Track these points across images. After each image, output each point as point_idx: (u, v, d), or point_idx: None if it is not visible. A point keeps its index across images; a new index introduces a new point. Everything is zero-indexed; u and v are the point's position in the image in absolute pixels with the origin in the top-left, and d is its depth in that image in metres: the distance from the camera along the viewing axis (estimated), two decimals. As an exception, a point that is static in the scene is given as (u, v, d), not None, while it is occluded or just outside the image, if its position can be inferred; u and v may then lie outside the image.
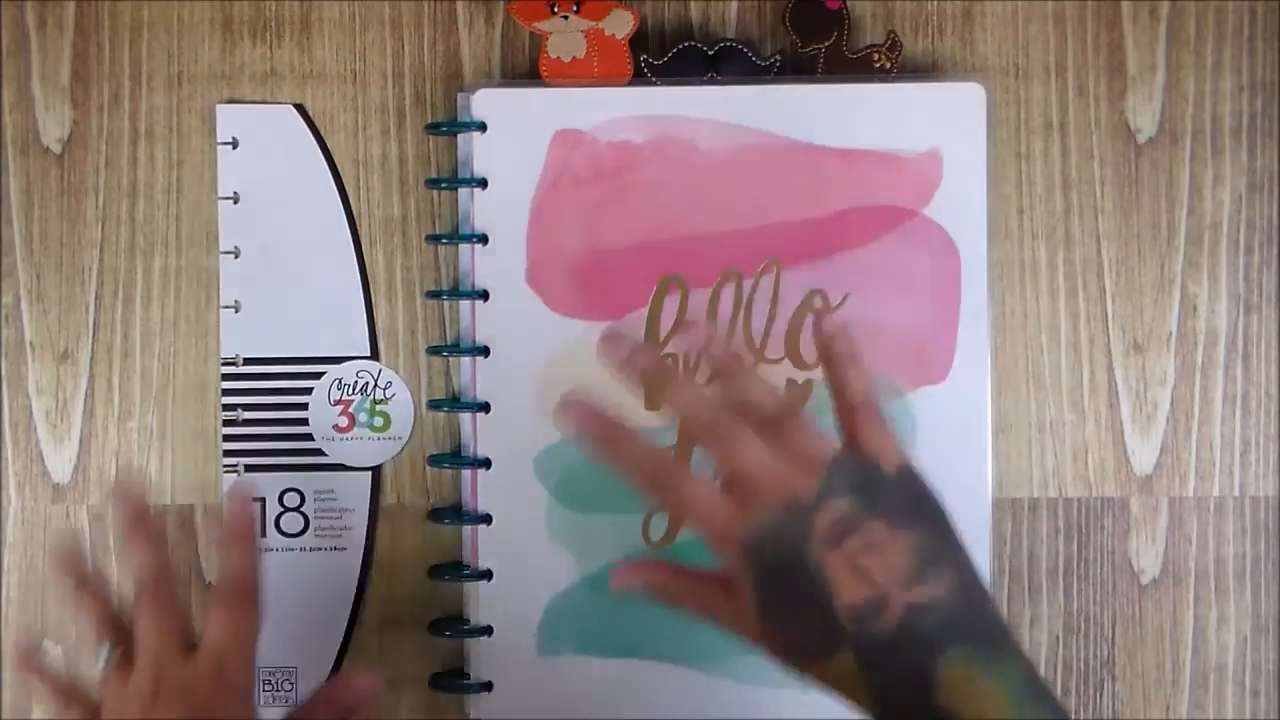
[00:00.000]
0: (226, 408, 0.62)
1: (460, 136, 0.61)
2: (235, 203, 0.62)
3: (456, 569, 0.61)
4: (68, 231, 0.62)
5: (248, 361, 0.62)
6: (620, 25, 0.60)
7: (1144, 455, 0.63)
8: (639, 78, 0.61)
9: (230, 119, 0.62)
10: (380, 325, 0.62)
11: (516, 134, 0.60)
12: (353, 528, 0.62)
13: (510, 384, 0.60)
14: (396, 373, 0.62)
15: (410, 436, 0.62)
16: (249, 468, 0.62)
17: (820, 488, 0.45)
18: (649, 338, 0.60)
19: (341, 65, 0.63)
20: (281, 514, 0.62)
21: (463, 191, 0.61)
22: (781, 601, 0.45)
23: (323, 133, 0.62)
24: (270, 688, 0.62)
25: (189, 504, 0.62)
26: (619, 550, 0.60)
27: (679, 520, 0.48)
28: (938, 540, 0.45)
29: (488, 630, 0.60)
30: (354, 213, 0.62)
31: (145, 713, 0.48)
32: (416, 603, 0.62)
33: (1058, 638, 0.63)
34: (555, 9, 0.60)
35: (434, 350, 0.62)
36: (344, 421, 0.62)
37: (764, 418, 0.47)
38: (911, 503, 0.46)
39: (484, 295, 0.60)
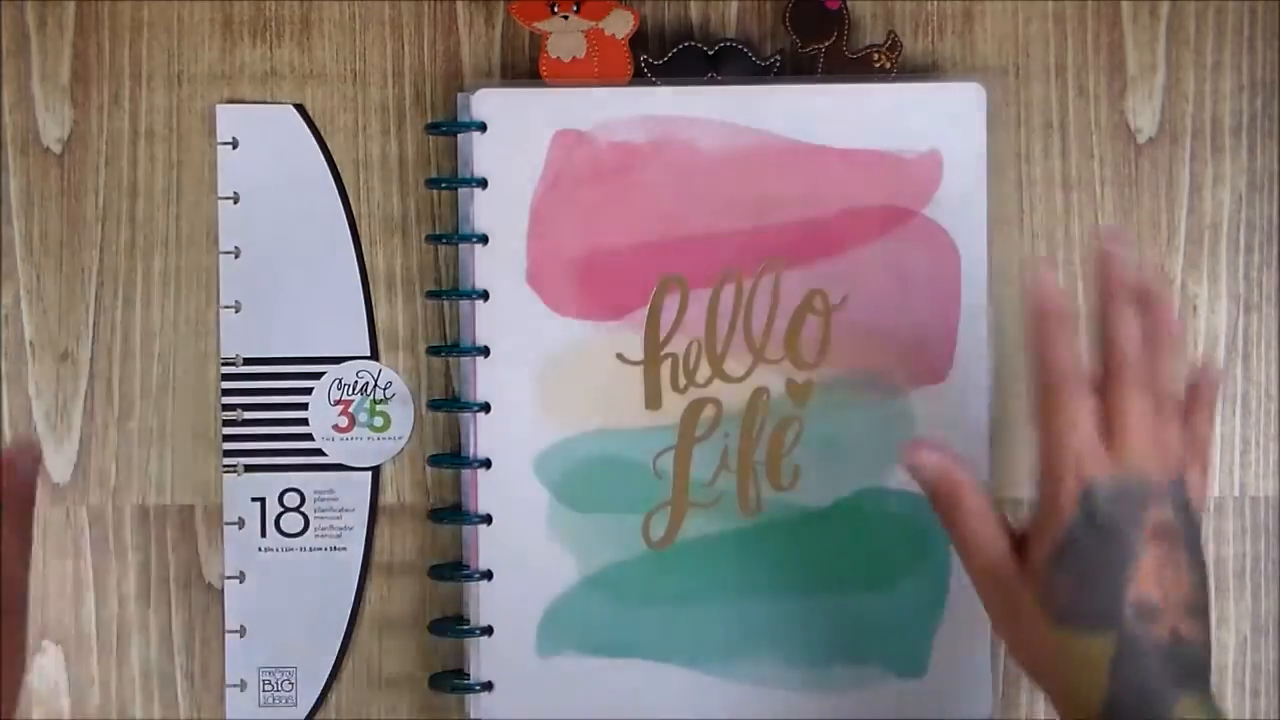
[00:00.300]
0: (226, 408, 0.62)
1: (460, 136, 0.61)
2: (235, 203, 0.62)
3: (456, 569, 0.61)
4: (68, 231, 0.62)
5: (248, 361, 0.62)
6: (620, 25, 0.60)
7: (1144, 455, 0.63)
8: (639, 78, 0.61)
9: (230, 119, 0.62)
10: (380, 325, 0.62)
11: (516, 134, 0.60)
12: (353, 528, 0.62)
13: (510, 384, 0.60)
14: (396, 373, 0.62)
15: (410, 436, 0.62)
16: (249, 468, 0.62)
17: (1180, 481, 0.47)
18: (649, 338, 0.60)
19: (341, 65, 0.63)
20: (281, 514, 0.62)
21: (463, 191, 0.61)
22: (1082, 561, 0.46)
23: (323, 133, 0.62)
24: (270, 688, 0.62)
25: (189, 504, 0.62)
26: (619, 550, 0.60)
27: (1049, 438, 0.47)
28: (1206, 593, 0.47)
29: (488, 630, 0.60)
30: (354, 213, 0.62)
31: None
32: (416, 603, 0.62)
33: (1058, 638, 0.63)
34: (555, 9, 0.60)
35: (434, 350, 0.62)
36: (344, 421, 0.62)
37: (1173, 388, 0.48)
38: (1200, 547, 0.48)
39: (484, 295, 0.60)
